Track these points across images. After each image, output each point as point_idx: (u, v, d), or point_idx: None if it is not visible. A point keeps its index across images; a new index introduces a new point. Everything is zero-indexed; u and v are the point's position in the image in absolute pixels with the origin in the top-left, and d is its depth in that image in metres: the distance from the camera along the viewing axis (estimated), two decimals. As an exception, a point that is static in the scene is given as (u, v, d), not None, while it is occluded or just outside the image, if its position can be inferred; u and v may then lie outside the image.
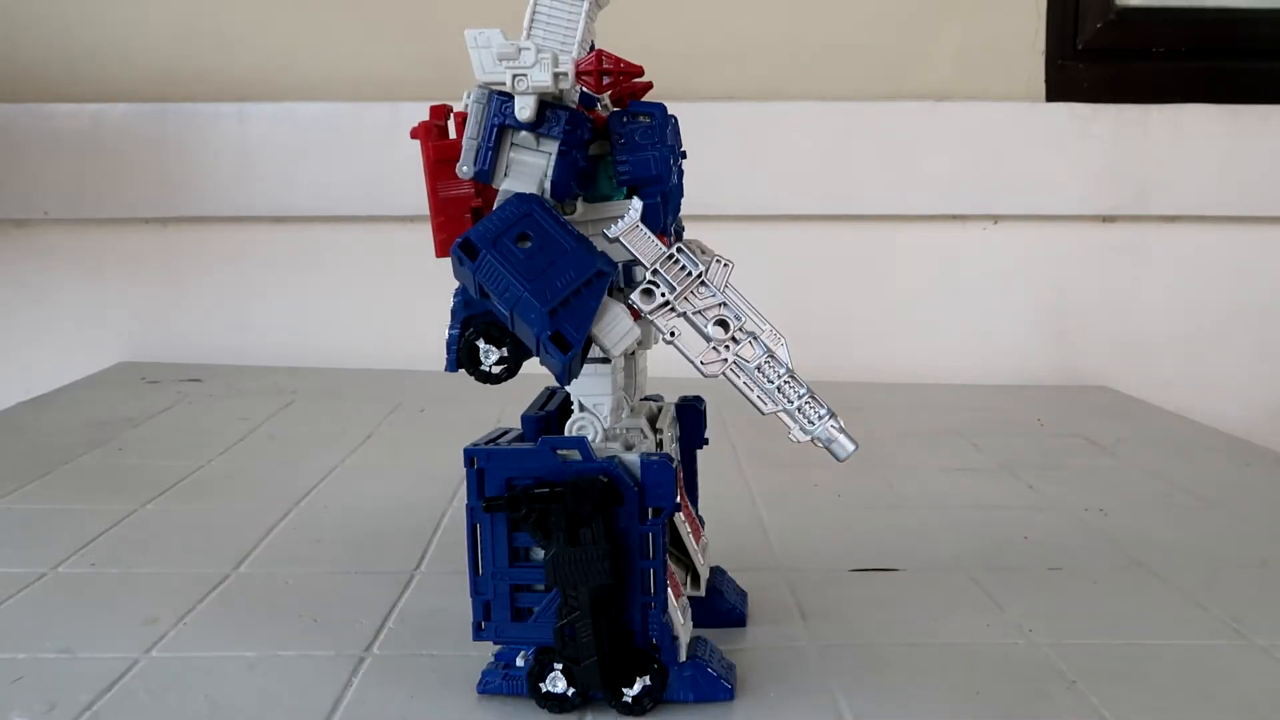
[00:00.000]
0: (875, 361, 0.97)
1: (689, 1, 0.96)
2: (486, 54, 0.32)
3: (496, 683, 0.38)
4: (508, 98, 0.33)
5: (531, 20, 0.34)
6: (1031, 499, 0.62)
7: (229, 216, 0.99)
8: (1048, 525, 0.58)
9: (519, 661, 0.38)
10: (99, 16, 0.98)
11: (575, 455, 0.36)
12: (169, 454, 0.69)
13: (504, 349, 0.35)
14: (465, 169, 0.34)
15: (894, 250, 0.99)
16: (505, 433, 0.40)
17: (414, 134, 0.35)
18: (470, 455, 0.36)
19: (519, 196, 0.33)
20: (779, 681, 0.39)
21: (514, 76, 0.32)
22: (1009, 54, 0.99)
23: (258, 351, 1.01)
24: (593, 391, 0.38)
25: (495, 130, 0.33)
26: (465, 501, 0.36)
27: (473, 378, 0.36)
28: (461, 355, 0.35)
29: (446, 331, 0.36)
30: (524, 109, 0.33)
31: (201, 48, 0.98)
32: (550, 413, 0.40)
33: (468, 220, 0.35)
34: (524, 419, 0.40)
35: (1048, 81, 0.99)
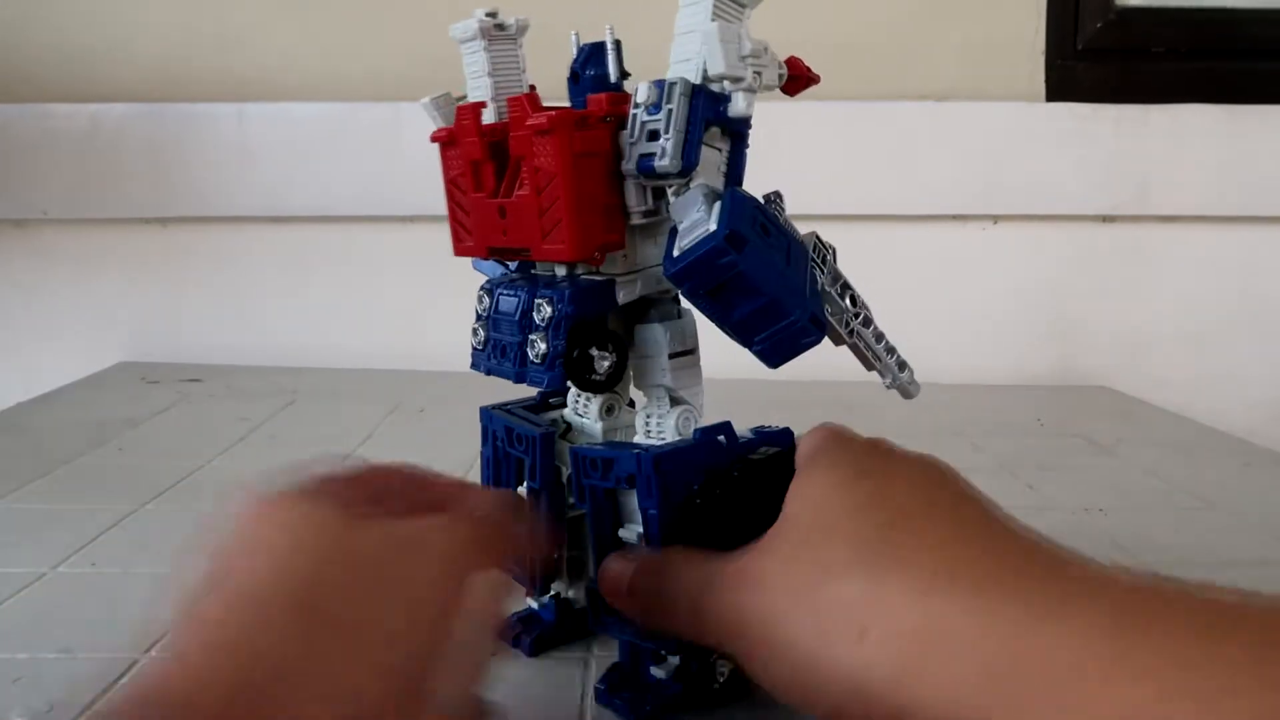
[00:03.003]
0: (875, 361, 0.97)
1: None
2: (732, 49, 0.32)
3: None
4: (713, 94, 0.33)
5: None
6: (1031, 499, 0.62)
7: (228, 216, 0.99)
8: (1048, 525, 0.57)
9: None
10: (98, 16, 0.98)
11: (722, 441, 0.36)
12: (169, 454, 0.69)
13: (613, 354, 0.36)
14: (667, 162, 0.33)
15: (894, 250, 0.99)
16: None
17: (550, 123, 0.33)
18: (655, 459, 0.34)
19: (737, 191, 0.34)
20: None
21: (755, 74, 0.33)
22: (1009, 54, 0.99)
23: (258, 351, 1.01)
24: (688, 384, 0.38)
25: (703, 125, 0.33)
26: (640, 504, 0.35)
27: (575, 386, 0.36)
28: (573, 366, 0.35)
29: (541, 346, 0.35)
30: (748, 106, 0.33)
31: (201, 48, 0.98)
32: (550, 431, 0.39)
33: (603, 215, 0.35)
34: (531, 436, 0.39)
35: (1048, 81, 0.99)
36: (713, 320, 0.34)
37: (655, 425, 0.37)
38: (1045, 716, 0.21)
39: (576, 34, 0.37)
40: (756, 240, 0.32)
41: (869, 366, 0.38)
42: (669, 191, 0.34)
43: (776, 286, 0.33)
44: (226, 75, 0.98)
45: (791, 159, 1.01)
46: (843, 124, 0.97)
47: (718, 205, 0.33)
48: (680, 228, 0.33)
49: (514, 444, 0.39)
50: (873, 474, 0.30)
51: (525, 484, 0.39)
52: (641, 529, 0.35)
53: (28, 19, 0.98)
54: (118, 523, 0.56)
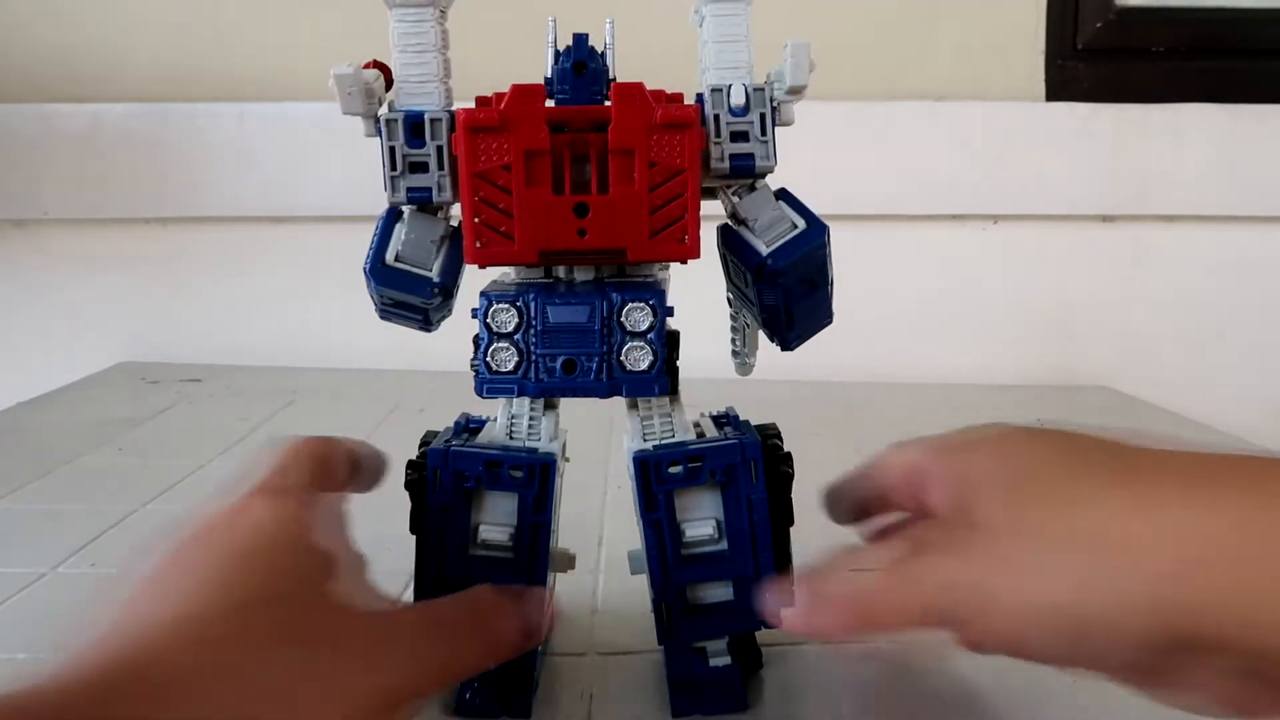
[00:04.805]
0: (875, 361, 0.97)
1: (690, 1, 0.96)
2: (803, 61, 0.35)
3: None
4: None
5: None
6: (1031, 499, 0.62)
7: (228, 217, 0.99)
8: (1048, 525, 0.57)
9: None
10: (98, 16, 0.98)
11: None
12: (169, 454, 0.69)
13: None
14: (770, 163, 0.36)
15: (893, 250, 0.99)
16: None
17: (692, 118, 0.34)
18: (759, 445, 0.36)
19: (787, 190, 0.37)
20: (779, 682, 0.39)
21: None
22: (1009, 54, 0.99)
23: (258, 351, 1.01)
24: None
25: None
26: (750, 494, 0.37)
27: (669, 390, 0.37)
28: (671, 374, 0.36)
29: (648, 354, 0.35)
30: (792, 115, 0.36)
31: (201, 48, 0.98)
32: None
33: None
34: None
35: (1048, 81, 0.99)
36: (773, 309, 0.36)
37: (660, 425, 0.37)
38: None
39: (554, 20, 0.36)
40: None
41: (744, 343, 0.43)
42: (728, 191, 0.36)
43: (829, 278, 0.37)
44: (226, 75, 0.98)
45: (790, 159, 1.01)
46: (842, 124, 0.96)
47: (782, 203, 0.36)
48: (757, 224, 0.36)
49: (502, 481, 0.35)
50: (1035, 431, 0.33)
51: None
52: (712, 525, 0.36)
53: (28, 19, 0.98)
54: (118, 523, 0.56)
